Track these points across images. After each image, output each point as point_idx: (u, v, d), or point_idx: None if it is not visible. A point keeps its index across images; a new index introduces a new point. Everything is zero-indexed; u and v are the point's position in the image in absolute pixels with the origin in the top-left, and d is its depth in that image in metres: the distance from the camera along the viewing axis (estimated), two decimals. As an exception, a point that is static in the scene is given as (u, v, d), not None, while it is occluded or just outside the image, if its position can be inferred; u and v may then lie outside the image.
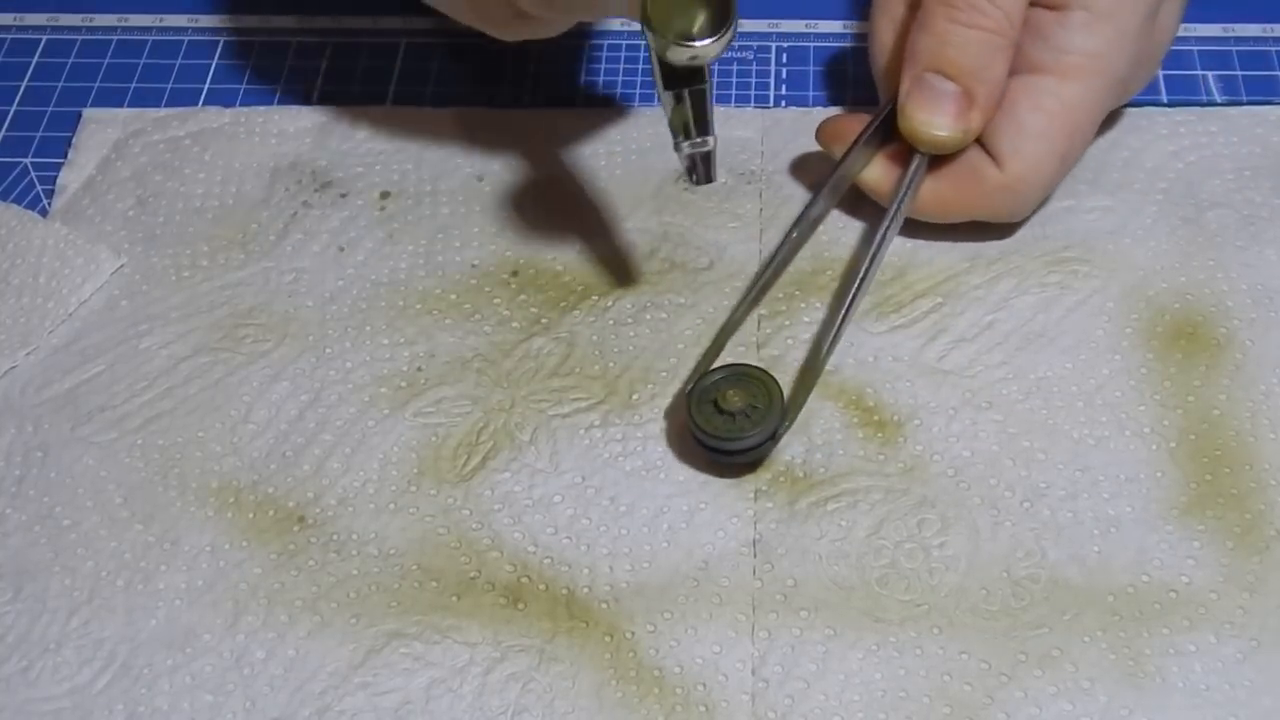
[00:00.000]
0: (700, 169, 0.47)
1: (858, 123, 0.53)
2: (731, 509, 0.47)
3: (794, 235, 0.52)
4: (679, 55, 0.44)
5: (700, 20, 0.43)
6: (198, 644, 0.45)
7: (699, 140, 0.46)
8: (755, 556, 0.46)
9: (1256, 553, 0.45)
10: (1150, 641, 0.44)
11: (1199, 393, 0.49)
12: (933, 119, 0.50)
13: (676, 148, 0.47)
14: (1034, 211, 0.53)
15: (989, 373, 0.50)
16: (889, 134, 0.52)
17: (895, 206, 0.51)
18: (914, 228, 0.53)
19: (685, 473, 0.48)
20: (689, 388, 0.48)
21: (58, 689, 0.45)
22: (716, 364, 0.49)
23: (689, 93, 0.46)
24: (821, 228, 0.54)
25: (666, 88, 0.46)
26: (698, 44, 0.43)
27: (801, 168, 0.56)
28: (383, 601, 0.46)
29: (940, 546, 0.46)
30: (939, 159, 0.51)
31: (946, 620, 0.45)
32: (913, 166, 0.51)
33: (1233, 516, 0.46)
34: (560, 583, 0.46)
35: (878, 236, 0.50)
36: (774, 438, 0.47)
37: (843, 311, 0.49)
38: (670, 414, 0.49)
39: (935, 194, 0.52)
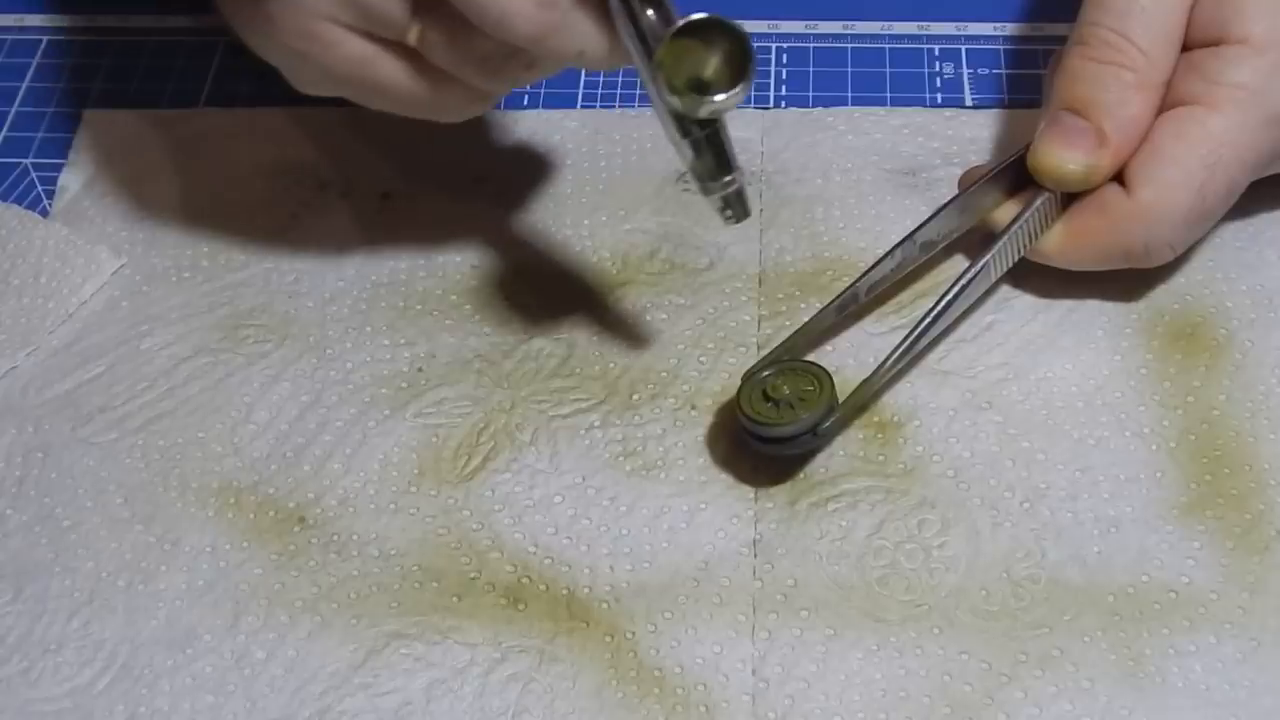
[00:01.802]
0: (735, 207, 0.45)
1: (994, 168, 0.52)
2: (731, 509, 0.47)
3: (896, 254, 0.50)
4: (704, 111, 0.41)
5: (714, 67, 0.41)
6: (198, 644, 0.45)
7: (727, 180, 0.44)
8: (755, 557, 0.46)
9: (1256, 553, 0.45)
10: (1150, 641, 0.44)
11: (1199, 393, 0.49)
12: (1062, 153, 0.49)
13: (704, 192, 0.44)
14: (1173, 254, 0.50)
15: (989, 373, 0.50)
16: (1025, 180, 0.51)
17: (1008, 230, 0.49)
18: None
19: (685, 473, 0.48)
20: (747, 372, 0.48)
21: (58, 689, 0.45)
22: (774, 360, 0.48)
23: (706, 136, 0.43)
24: (822, 226, 0.54)
25: (682, 136, 0.43)
26: (721, 98, 0.41)
27: (801, 168, 0.56)
28: (383, 602, 0.46)
29: (940, 547, 0.46)
30: (1070, 201, 0.50)
31: (947, 620, 0.45)
32: (1038, 200, 0.50)
33: (1233, 517, 0.46)
34: (561, 583, 0.46)
35: (981, 261, 0.49)
36: (814, 432, 0.46)
37: (916, 331, 0.48)
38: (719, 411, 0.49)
39: (1065, 232, 0.50)
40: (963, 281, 0.49)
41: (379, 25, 0.44)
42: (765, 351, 0.50)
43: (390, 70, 0.45)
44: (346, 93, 0.47)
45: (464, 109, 0.47)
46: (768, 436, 0.47)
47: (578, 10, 0.42)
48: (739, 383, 0.48)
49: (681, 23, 0.41)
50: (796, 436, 0.46)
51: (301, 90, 0.48)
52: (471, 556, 0.47)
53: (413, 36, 0.44)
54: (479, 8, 0.42)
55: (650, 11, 0.42)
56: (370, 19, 0.44)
